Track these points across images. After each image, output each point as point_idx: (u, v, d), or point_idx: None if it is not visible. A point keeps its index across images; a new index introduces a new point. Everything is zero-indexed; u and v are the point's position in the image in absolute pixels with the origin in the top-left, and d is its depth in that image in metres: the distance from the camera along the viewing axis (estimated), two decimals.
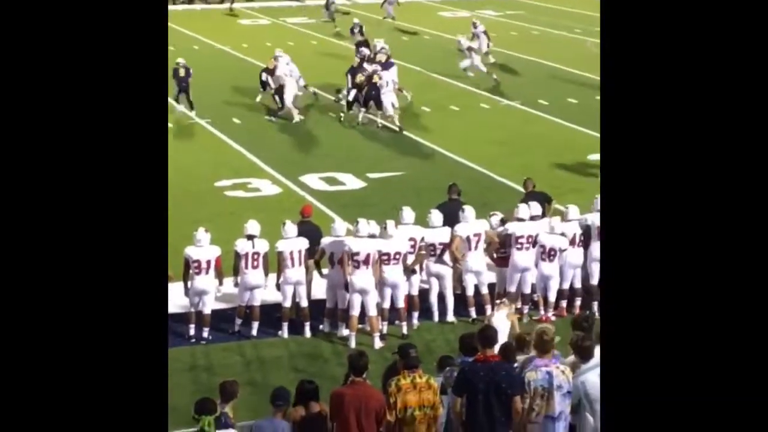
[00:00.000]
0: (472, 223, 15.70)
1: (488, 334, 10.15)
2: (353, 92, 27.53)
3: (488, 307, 15.61)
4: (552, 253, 15.54)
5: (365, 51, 29.94)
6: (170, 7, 48.03)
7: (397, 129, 26.69)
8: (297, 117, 27.84)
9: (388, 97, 27.05)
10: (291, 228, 15.22)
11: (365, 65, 28.28)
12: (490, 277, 16.11)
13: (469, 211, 15.80)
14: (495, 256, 15.95)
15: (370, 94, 27.16)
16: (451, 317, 15.70)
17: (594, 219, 15.60)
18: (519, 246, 15.55)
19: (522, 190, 18.29)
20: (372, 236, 14.95)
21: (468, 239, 15.59)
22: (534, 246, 15.59)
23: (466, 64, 32.33)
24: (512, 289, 15.66)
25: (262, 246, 15.10)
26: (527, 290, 15.71)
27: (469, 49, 32.51)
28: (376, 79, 27.09)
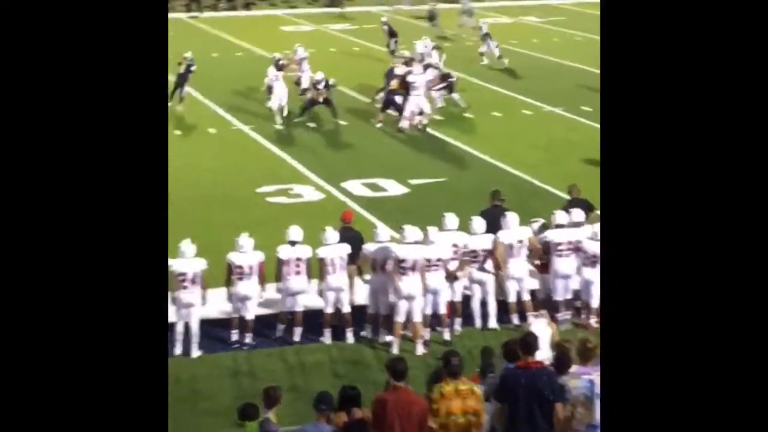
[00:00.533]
0: (514, 230, 15.67)
1: (529, 341, 10.13)
2: (397, 96, 27.61)
3: (529, 314, 15.59)
4: (595, 259, 15.48)
5: (406, 53, 30.18)
6: (211, 14, 48.36)
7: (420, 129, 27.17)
8: (278, 120, 28.04)
9: (416, 100, 27.12)
10: (332, 234, 15.26)
11: (396, 69, 28.48)
12: (533, 283, 16.07)
13: (511, 217, 15.78)
14: (538, 262, 15.92)
15: (405, 98, 27.32)
16: (493, 324, 15.68)
17: None
18: (558, 253, 15.52)
19: (566, 196, 18.23)
20: (417, 243, 14.95)
21: (510, 246, 15.57)
22: (575, 252, 15.54)
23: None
24: (558, 297, 15.61)
25: (304, 252, 15.15)
26: (569, 296, 15.67)
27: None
28: (411, 79, 27.18)
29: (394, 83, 28.00)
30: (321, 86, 27.94)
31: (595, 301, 15.64)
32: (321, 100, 28.01)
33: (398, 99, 27.67)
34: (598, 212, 17.35)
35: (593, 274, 15.51)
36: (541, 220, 16.46)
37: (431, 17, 43.47)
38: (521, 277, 15.73)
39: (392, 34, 37.13)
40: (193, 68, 29.69)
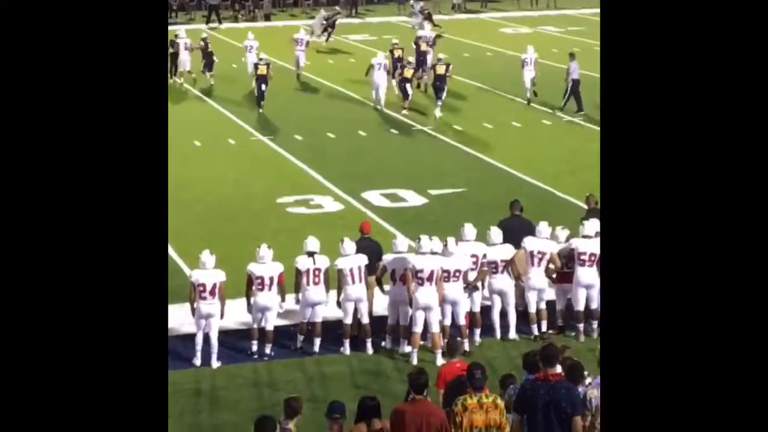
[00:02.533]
0: (542, 240, 15.63)
1: (550, 353, 10.05)
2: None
3: (544, 323, 15.58)
4: None
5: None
6: (231, 25, 48.45)
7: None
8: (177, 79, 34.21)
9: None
10: (349, 245, 15.26)
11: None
12: (551, 294, 16.02)
13: (543, 227, 15.75)
14: (554, 276, 15.82)
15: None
16: (513, 334, 15.64)
17: None
18: (581, 262, 15.47)
19: (584, 206, 18.19)
20: (434, 253, 14.93)
21: (532, 254, 15.52)
22: (597, 263, 15.48)
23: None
24: (579, 307, 15.56)
25: (322, 262, 15.15)
26: (593, 306, 15.59)
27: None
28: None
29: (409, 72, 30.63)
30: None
31: None
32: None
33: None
34: None
35: None
36: (567, 230, 16.33)
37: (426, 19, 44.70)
38: (542, 288, 15.68)
39: (331, 25, 42.32)
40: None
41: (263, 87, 30.60)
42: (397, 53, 33.02)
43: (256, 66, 31.08)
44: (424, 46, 34.09)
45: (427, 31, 37.10)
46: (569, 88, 30.12)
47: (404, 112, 30.18)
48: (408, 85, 30.43)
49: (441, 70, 29.90)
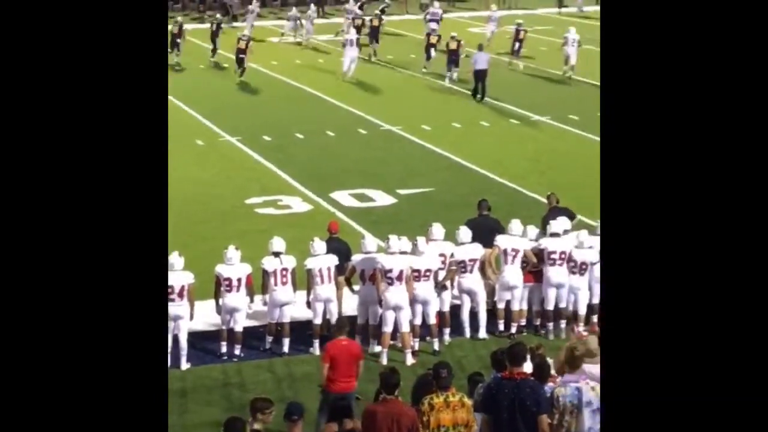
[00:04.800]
0: (514, 237, 15.68)
1: (517, 351, 10.10)
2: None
3: (514, 325, 15.62)
4: (583, 267, 15.50)
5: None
6: (196, 26, 48.27)
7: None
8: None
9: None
10: (319, 245, 15.26)
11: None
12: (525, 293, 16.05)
13: (515, 224, 15.80)
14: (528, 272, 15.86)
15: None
16: (483, 333, 15.67)
17: None
18: (551, 261, 15.52)
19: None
20: (403, 253, 14.95)
21: (505, 252, 15.57)
22: (567, 261, 15.53)
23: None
24: (550, 307, 15.63)
25: (289, 262, 15.14)
26: (562, 305, 15.66)
27: None
28: None
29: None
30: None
31: (582, 309, 15.65)
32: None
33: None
34: (587, 219, 17.42)
35: (580, 282, 15.54)
36: (536, 228, 16.37)
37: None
38: (515, 285, 15.69)
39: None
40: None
41: (242, 56, 35.26)
42: (375, 22, 40.66)
43: (238, 40, 35.76)
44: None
45: (437, 7, 44.07)
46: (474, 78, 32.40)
47: (423, 70, 36.68)
48: (432, 50, 36.85)
49: (453, 45, 34.87)
